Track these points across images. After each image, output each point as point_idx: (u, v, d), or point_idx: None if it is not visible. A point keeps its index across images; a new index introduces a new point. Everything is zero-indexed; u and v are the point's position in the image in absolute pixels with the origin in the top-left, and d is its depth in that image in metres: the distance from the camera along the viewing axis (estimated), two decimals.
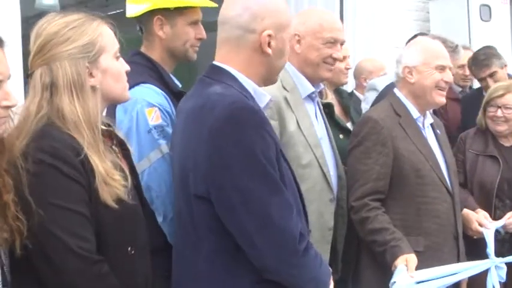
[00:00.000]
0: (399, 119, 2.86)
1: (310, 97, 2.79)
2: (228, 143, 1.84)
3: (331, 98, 3.19)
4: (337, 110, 3.38)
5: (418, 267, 2.66)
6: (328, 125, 2.90)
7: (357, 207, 2.74)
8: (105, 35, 1.89)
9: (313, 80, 2.79)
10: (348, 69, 3.47)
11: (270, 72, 2.09)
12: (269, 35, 2.00)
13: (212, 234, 1.93)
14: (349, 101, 3.50)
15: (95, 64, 1.86)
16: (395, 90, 2.99)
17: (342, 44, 2.81)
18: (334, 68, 2.84)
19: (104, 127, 1.94)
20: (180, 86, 2.58)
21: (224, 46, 2.05)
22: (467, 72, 4.52)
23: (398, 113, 2.88)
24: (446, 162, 2.96)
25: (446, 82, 2.90)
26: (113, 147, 1.98)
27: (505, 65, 4.26)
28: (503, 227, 3.25)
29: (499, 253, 3.28)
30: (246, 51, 2.02)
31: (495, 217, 3.28)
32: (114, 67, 1.91)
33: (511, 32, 5.97)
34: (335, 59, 2.77)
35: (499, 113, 3.43)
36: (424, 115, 2.97)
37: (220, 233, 1.91)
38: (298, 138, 2.62)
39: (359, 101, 4.08)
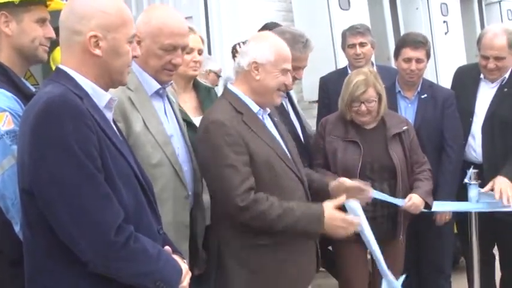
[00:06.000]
0: (242, 116, 2.80)
1: (158, 94, 2.72)
2: (43, 135, 1.89)
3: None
4: (193, 103, 3.33)
5: (276, 259, 2.79)
6: (180, 121, 2.85)
7: (246, 206, 2.66)
8: None
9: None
10: (195, 62, 3.34)
11: (108, 73, 2.08)
12: (95, 36, 2.02)
13: (45, 229, 1.93)
14: (206, 96, 3.42)
15: None
16: (231, 87, 2.90)
17: (184, 49, 2.72)
18: (174, 72, 2.75)
19: None
20: (33, 89, 2.48)
21: (62, 48, 2.09)
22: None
23: (240, 111, 2.81)
24: (288, 148, 2.96)
25: (286, 86, 2.90)
26: None
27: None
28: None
29: (380, 234, 3.40)
30: (77, 52, 2.05)
31: None
32: None
33: (369, 20, 6.21)
34: (175, 65, 2.70)
35: (363, 107, 3.58)
36: (264, 108, 2.93)
37: (51, 228, 1.91)
38: (146, 138, 2.58)
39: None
